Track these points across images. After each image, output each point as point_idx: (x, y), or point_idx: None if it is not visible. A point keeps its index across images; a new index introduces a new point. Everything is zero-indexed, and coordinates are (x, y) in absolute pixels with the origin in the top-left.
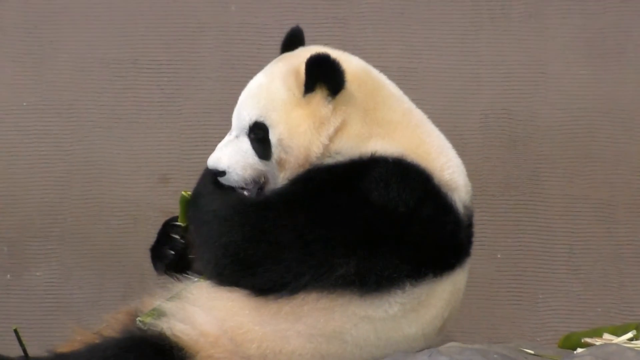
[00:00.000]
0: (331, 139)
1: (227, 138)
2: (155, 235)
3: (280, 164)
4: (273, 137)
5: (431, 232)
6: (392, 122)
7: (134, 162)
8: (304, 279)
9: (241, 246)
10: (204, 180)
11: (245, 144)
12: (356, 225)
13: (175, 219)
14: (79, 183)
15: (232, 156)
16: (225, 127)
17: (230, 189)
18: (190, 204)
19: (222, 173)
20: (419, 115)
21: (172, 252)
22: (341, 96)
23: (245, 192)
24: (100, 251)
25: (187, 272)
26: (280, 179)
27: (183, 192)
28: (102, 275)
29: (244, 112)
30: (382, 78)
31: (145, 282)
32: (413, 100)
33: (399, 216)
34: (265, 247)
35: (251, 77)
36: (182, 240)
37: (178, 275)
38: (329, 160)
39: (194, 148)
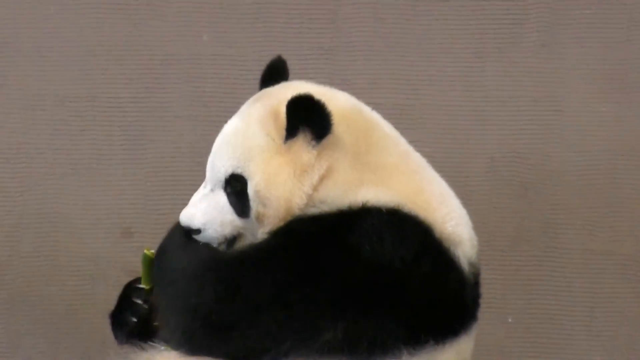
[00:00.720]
0: (315, 187)
1: (202, 191)
2: (116, 299)
3: (259, 219)
4: (250, 189)
5: (431, 292)
6: (387, 167)
7: (92, 214)
8: (285, 345)
9: (213, 308)
10: (172, 234)
11: (222, 199)
12: (345, 284)
13: (138, 280)
14: (30, 238)
15: (208, 212)
16: (197, 174)
17: (203, 244)
18: (155, 261)
19: (197, 231)
20: (417, 160)
21: (134, 319)
22: (327, 140)
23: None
24: (55, 316)
25: (152, 339)
26: (260, 235)
27: (145, 251)
28: (56, 343)
29: (219, 162)
30: (375, 117)
31: (105, 352)
32: (410, 142)
33: (394, 273)
34: (240, 308)
35: (226, 116)
36: (145, 305)
37: (142, 344)
38: (313, 210)
39: (161, 197)
